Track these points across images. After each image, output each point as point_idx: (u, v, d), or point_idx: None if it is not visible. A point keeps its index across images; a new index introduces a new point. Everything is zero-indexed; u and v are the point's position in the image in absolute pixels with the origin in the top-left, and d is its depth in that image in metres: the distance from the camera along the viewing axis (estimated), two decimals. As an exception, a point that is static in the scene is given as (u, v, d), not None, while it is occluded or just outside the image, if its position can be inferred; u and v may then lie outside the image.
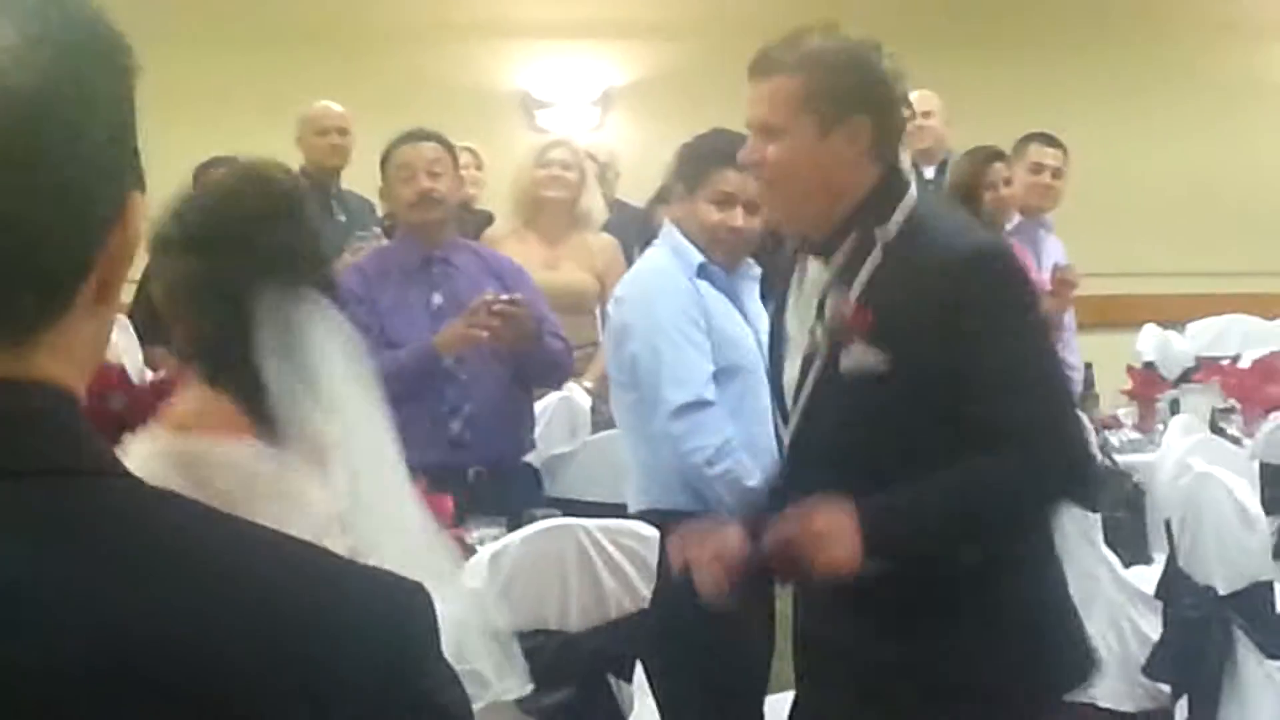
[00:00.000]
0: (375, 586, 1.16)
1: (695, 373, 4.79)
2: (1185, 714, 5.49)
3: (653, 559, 4.46)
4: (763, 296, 5.15)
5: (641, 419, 4.91)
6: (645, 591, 4.45)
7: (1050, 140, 8.03)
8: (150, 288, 2.94)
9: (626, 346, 4.91)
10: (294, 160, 8.36)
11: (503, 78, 11.09)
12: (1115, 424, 7.47)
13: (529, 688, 3.94)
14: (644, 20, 11.09)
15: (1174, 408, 7.37)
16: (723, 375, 4.84)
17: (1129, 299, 10.39)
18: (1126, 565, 6.33)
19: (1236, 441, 6.76)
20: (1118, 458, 6.89)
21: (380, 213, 7.71)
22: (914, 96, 9.14)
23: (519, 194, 7.19)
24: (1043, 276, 7.46)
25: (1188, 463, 5.60)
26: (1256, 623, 5.31)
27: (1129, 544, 6.48)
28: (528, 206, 7.15)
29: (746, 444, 4.78)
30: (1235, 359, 8.17)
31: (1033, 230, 7.86)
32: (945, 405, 3.11)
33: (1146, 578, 6.11)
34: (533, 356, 5.66)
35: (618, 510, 4.95)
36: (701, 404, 4.77)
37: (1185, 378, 8.30)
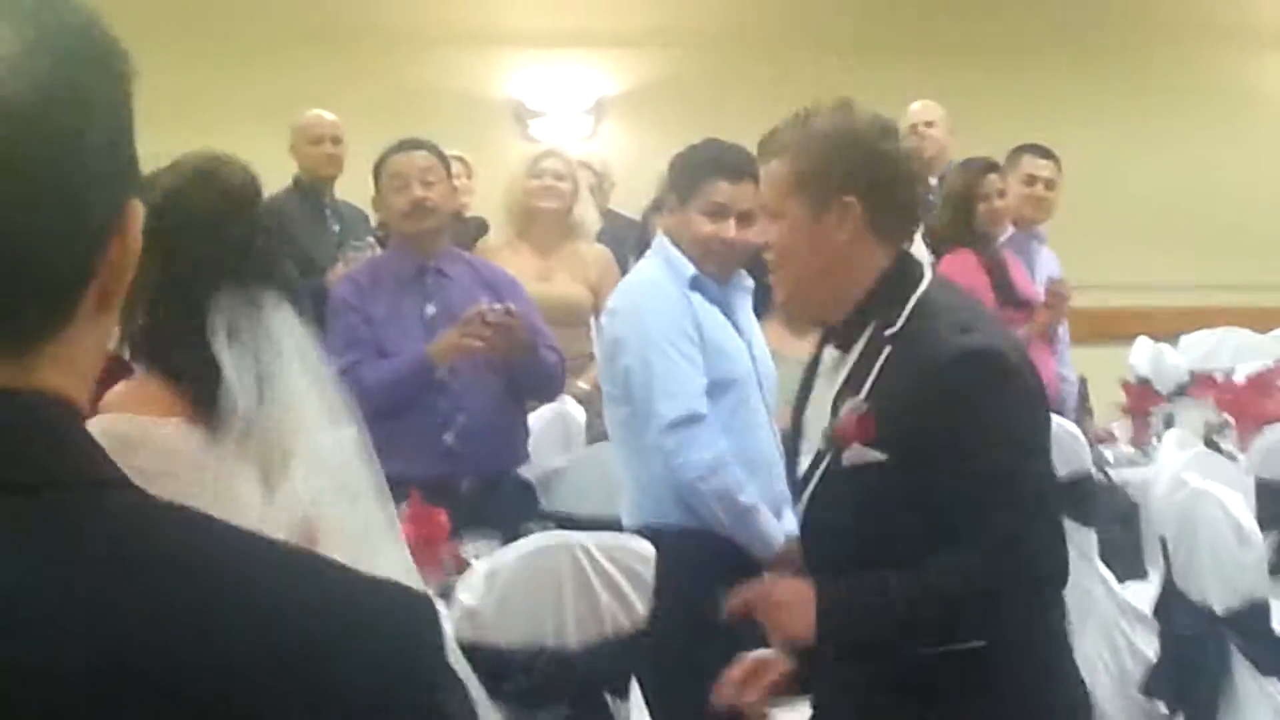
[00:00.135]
0: (380, 595, 1.16)
1: (688, 386, 4.77)
2: (1181, 731, 5.48)
3: (649, 575, 4.44)
4: (756, 309, 5.14)
5: (634, 433, 4.88)
6: (642, 608, 4.43)
7: (1043, 152, 8.02)
8: None
9: (619, 359, 4.89)
10: (288, 169, 8.35)
11: (495, 87, 11.09)
12: (1109, 438, 7.47)
13: None
14: (637, 30, 11.09)
15: (1168, 422, 7.36)
16: (716, 388, 4.81)
17: (1123, 312, 10.39)
18: (1121, 581, 6.33)
19: (1231, 456, 6.75)
20: (1112, 472, 6.88)
21: (374, 222, 7.68)
22: (916, 106, 9.24)
23: (511, 204, 7.16)
24: (1037, 289, 7.45)
25: (1182, 478, 5.59)
26: (1253, 640, 5.30)
27: (1124, 559, 6.47)
28: (520, 217, 7.12)
29: (740, 457, 4.76)
30: (1229, 373, 8.17)
31: (1026, 242, 7.85)
32: (935, 499, 3.11)
33: (1142, 593, 6.11)
34: (526, 368, 5.64)
35: (612, 524, 4.93)
36: (694, 418, 4.75)
37: (1179, 392, 8.31)
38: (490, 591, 4.23)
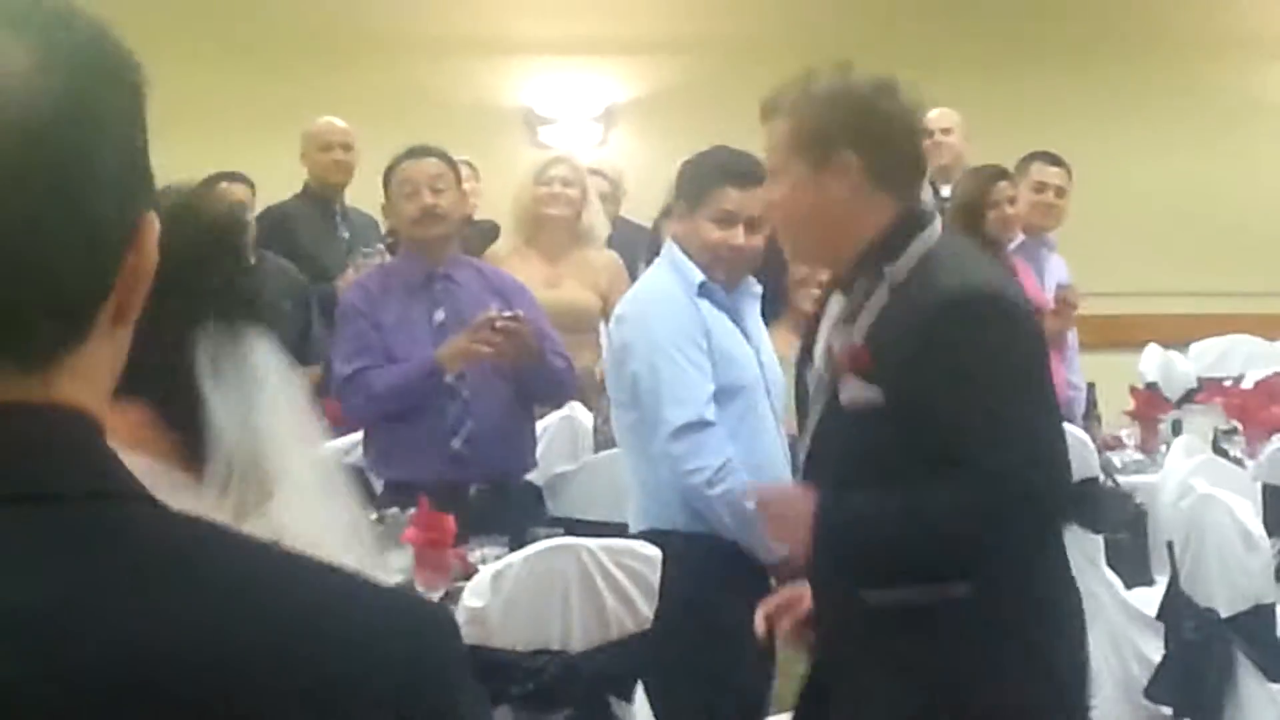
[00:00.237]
0: (397, 605, 1.15)
1: (695, 392, 4.78)
2: (1186, 736, 5.49)
3: (655, 579, 4.46)
4: (764, 315, 5.15)
5: (642, 439, 4.89)
6: (647, 612, 4.45)
7: (1053, 159, 8.02)
8: None
9: (627, 366, 4.90)
10: (299, 176, 8.38)
11: (505, 94, 11.09)
12: (1118, 444, 7.46)
13: None
14: (647, 37, 11.09)
15: (1176, 429, 7.36)
16: (723, 394, 4.82)
17: (1132, 319, 10.38)
18: (1128, 586, 6.33)
19: (1239, 463, 6.75)
20: (1120, 478, 6.88)
21: (384, 229, 7.70)
22: (934, 114, 9.26)
23: (520, 212, 7.17)
24: (1046, 296, 7.46)
25: (1190, 484, 5.60)
26: (1258, 645, 5.31)
27: (1131, 565, 6.47)
28: (528, 225, 7.12)
29: (747, 463, 4.76)
30: (1238, 380, 8.17)
31: (1036, 249, 7.85)
32: (933, 440, 3.15)
33: (1148, 599, 6.10)
34: (535, 374, 5.66)
35: (619, 530, 4.94)
36: (702, 424, 4.75)
37: (1188, 398, 8.30)
38: (496, 595, 4.25)
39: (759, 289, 5.05)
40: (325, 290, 7.39)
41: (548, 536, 4.66)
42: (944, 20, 11.15)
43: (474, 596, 4.28)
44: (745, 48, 10.83)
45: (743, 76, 11.04)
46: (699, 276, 4.87)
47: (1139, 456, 7.34)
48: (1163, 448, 7.13)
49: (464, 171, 6.72)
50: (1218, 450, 6.92)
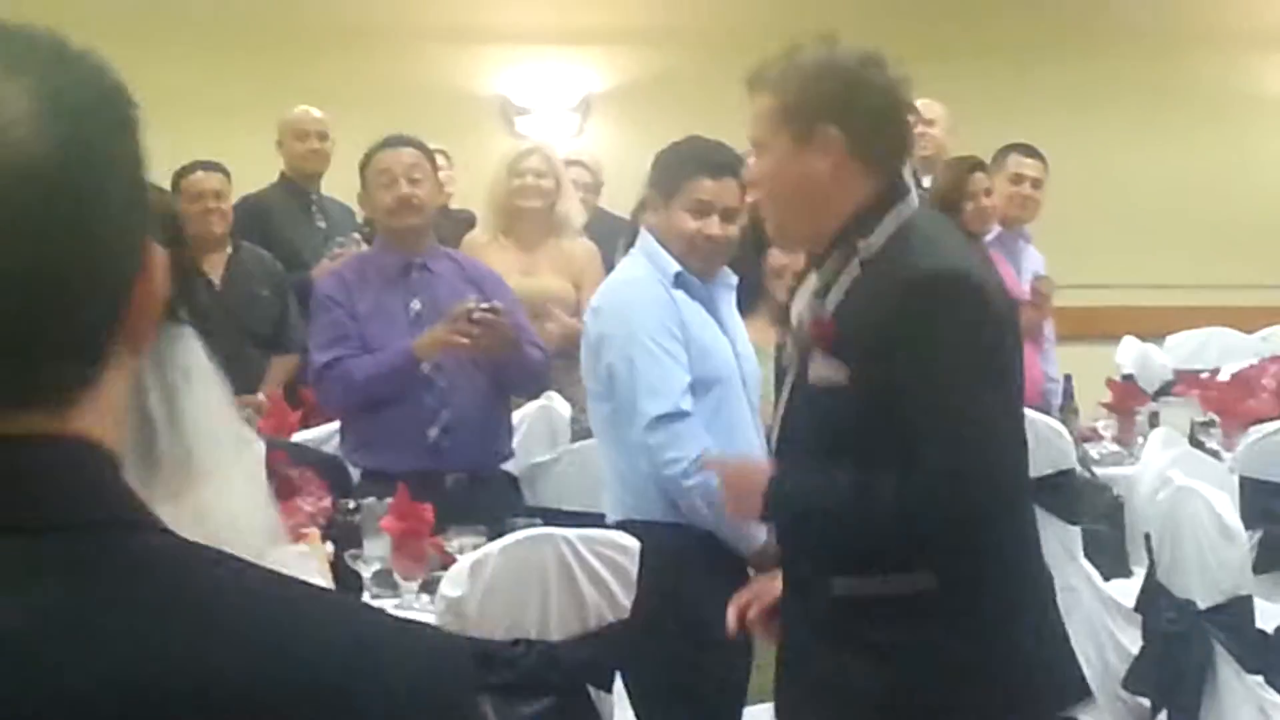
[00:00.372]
0: (412, 640, 1.16)
1: (671, 384, 4.77)
2: (1165, 728, 5.49)
3: (633, 569, 4.45)
4: (740, 306, 5.15)
5: (618, 429, 4.89)
6: (625, 602, 4.44)
7: (1030, 151, 8.03)
8: None
9: (603, 357, 4.89)
10: (275, 164, 8.36)
11: (482, 83, 11.07)
12: (1094, 436, 7.48)
13: None
14: (624, 26, 11.08)
15: (1153, 421, 7.36)
16: (699, 386, 4.82)
17: (1109, 311, 10.40)
18: (1106, 578, 6.34)
19: (1216, 455, 6.77)
20: (1097, 470, 6.90)
21: (360, 218, 7.68)
22: (918, 105, 9.21)
23: (494, 204, 7.17)
24: (1023, 287, 7.47)
25: (1167, 476, 5.60)
26: (1236, 636, 5.31)
27: (1109, 557, 6.48)
28: (503, 216, 7.12)
29: (724, 454, 4.76)
30: (1215, 372, 8.18)
31: (1012, 241, 7.86)
32: (893, 423, 3.14)
33: (1126, 590, 6.12)
34: (511, 365, 5.65)
35: (597, 520, 4.94)
36: (678, 415, 4.75)
37: (1164, 391, 8.32)
38: (474, 585, 4.23)
39: (735, 280, 5.04)
40: (302, 279, 7.37)
41: (526, 526, 4.65)
42: (922, 11, 11.15)
43: (452, 586, 4.26)
44: (723, 38, 10.82)
45: (720, 67, 11.01)
46: (674, 267, 4.86)
47: (1116, 449, 7.36)
48: (1140, 440, 7.13)
49: (439, 161, 6.71)
50: (1195, 442, 6.93)
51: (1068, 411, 7.43)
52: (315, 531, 4.74)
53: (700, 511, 4.74)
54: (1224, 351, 9.10)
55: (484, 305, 5.51)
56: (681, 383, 4.78)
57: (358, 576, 4.74)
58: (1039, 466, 6.18)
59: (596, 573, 4.40)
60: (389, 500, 4.82)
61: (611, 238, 7.09)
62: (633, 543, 4.47)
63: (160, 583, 1.09)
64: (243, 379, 6.90)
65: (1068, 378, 7.67)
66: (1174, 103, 11.30)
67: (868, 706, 3.30)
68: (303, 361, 6.45)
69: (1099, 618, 6.15)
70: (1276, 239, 11.03)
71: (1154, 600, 5.60)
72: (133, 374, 1.21)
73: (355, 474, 5.67)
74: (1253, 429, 6.78)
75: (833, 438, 3.26)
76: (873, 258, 3.24)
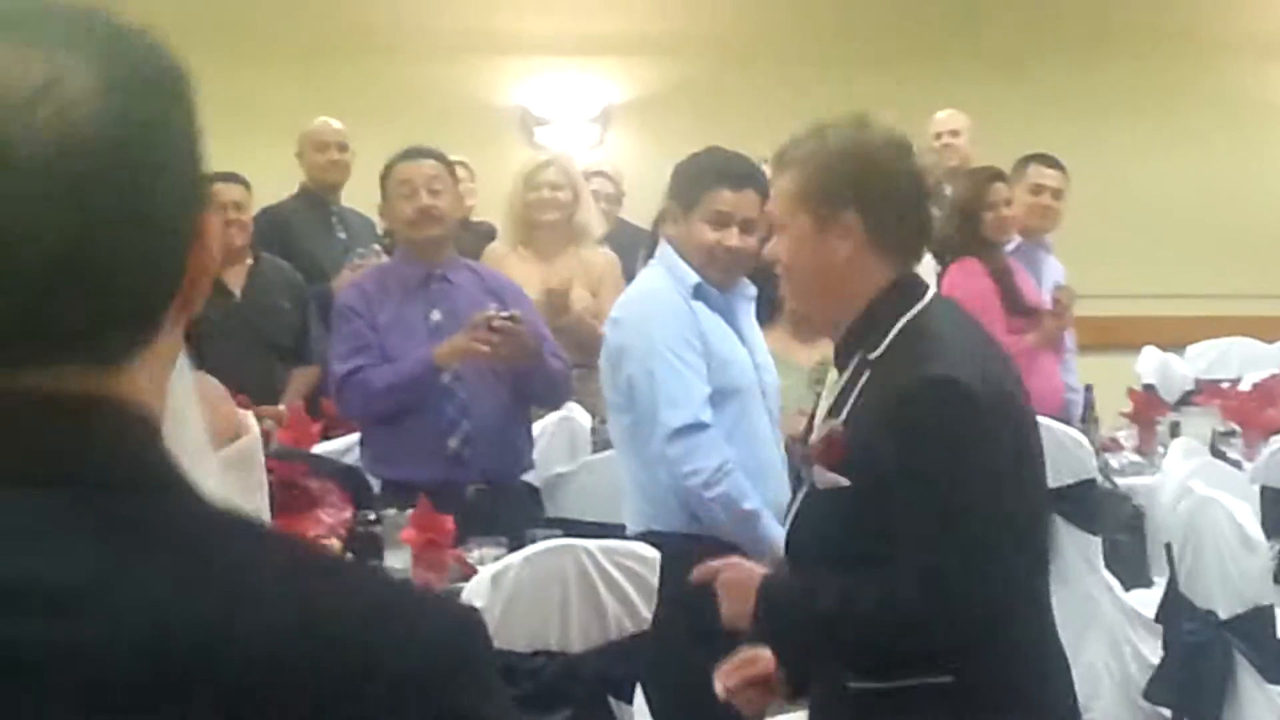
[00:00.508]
0: (426, 605, 1.21)
1: (691, 395, 4.77)
2: (1185, 738, 5.48)
3: (654, 580, 4.45)
4: (759, 317, 5.14)
5: (638, 441, 4.89)
6: (646, 613, 4.44)
7: (1050, 161, 8.02)
8: None
9: (623, 369, 4.89)
10: (295, 176, 8.37)
11: (502, 94, 11.09)
12: (1115, 446, 7.47)
13: None
14: (644, 37, 11.09)
15: (1174, 430, 7.36)
16: (719, 396, 4.82)
17: (1129, 321, 10.38)
18: (1127, 588, 6.33)
19: (1237, 465, 6.76)
20: (1118, 480, 6.89)
21: (380, 230, 7.69)
22: (942, 115, 9.25)
23: (512, 216, 7.20)
24: (1044, 298, 7.46)
25: (1188, 486, 5.59)
26: (1257, 647, 5.30)
27: (1129, 567, 6.48)
28: (522, 229, 7.15)
29: (743, 465, 4.77)
30: (1236, 382, 8.17)
31: (1032, 251, 7.85)
32: (888, 527, 3.13)
33: (1147, 601, 6.11)
34: (532, 375, 5.66)
35: (617, 530, 4.94)
36: (698, 426, 4.75)
37: (1185, 400, 8.31)
38: (495, 596, 4.24)
39: (754, 291, 5.04)
40: (322, 290, 7.38)
41: (546, 537, 4.66)
42: (943, 21, 11.15)
43: (473, 597, 4.27)
44: (742, 49, 10.84)
45: (740, 77, 11.09)
46: (694, 278, 4.87)
47: (1137, 459, 7.34)
48: (1160, 450, 7.12)
49: (460, 173, 6.72)
50: (1216, 452, 6.92)
51: (1089, 421, 7.42)
52: (336, 543, 4.75)
53: (720, 522, 4.74)
54: (1245, 361, 9.09)
55: (504, 314, 5.52)
56: (701, 394, 4.78)
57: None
58: (1060, 476, 6.19)
59: (617, 583, 4.40)
60: (409, 512, 4.82)
61: (633, 248, 7.10)
62: (653, 554, 4.47)
63: (187, 546, 1.13)
64: (263, 390, 6.93)
65: (1088, 388, 7.65)
66: (1194, 111, 11.28)
67: None
68: (323, 373, 6.46)
69: (1120, 628, 6.14)
70: (1297, 249, 11.03)
71: (1175, 610, 5.59)
72: (181, 340, 1.25)
73: (375, 484, 5.68)
74: (1274, 438, 6.78)
75: (838, 543, 3.23)
76: (880, 357, 3.22)
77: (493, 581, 4.25)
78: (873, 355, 3.22)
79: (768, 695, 3.52)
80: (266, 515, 3.55)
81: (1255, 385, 7.75)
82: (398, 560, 4.78)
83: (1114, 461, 7.17)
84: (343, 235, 8.14)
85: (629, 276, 6.32)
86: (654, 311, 4.88)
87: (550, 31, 10.93)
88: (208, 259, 1.21)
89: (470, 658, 1.17)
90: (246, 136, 9.21)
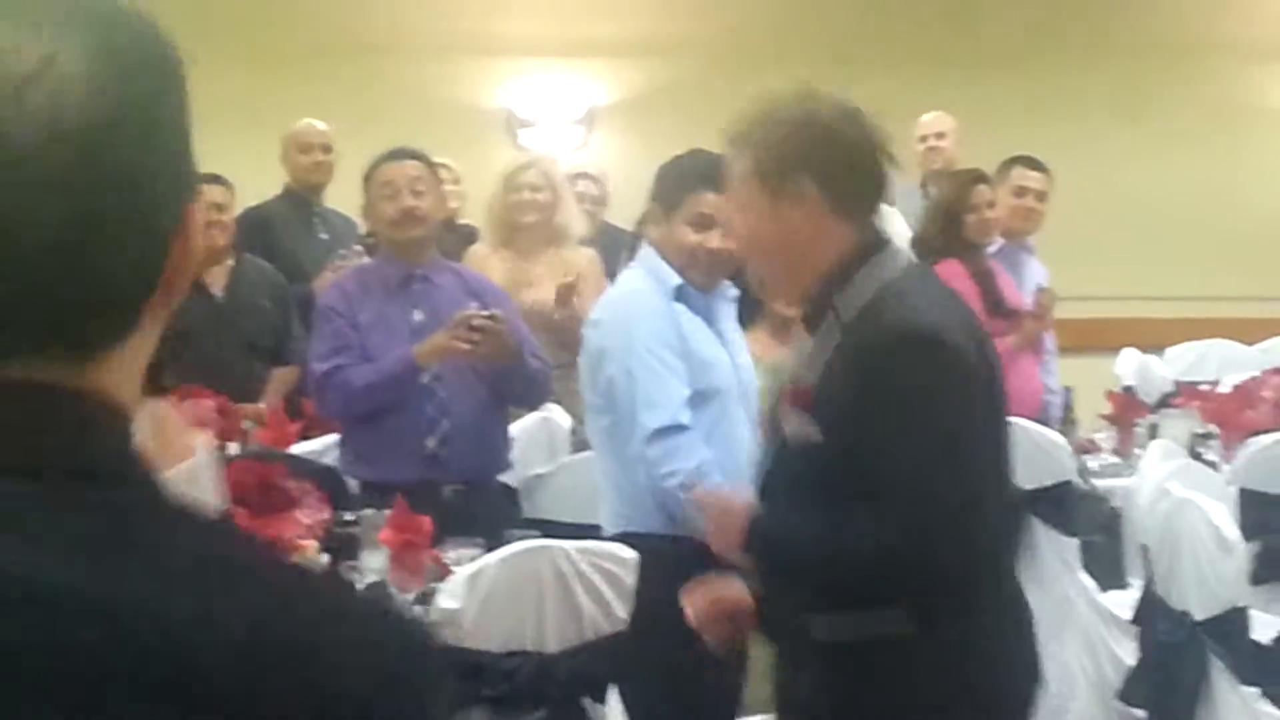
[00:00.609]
0: (376, 616, 1.19)
1: (670, 397, 4.78)
2: (1160, 739, 5.50)
3: (630, 581, 4.47)
4: (740, 318, 5.16)
5: (617, 442, 4.89)
6: (622, 614, 4.46)
7: (1033, 163, 8.04)
8: None
9: (603, 370, 4.90)
10: (278, 177, 8.37)
11: (487, 96, 11.09)
12: (1094, 448, 7.49)
13: None
14: (629, 40, 11.10)
15: (1153, 432, 7.37)
16: (698, 398, 4.82)
17: (1109, 323, 10.41)
18: (1103, 589, 6.35)
19: (1215, 467, 6.77)
20: (1096, 482, 6.90)
21: (362, 230, 7.70)
22: (927, 118, 9.26)
23: (493, 219, 7.23)
24: (1026, 300, 7.48)
25: (1166, 488, 5.61)
26: (1232, 648, 5.31)
27: (1106, 568, 6.49)
28: (503, 230, 7.18)
29: (721, 466, 4.77)
30: (1214, 384, 8.19)
31: (1015, 254, 7.87)
32: (865, 478, 3.16)
33: (1123, 602, 6.12)
34: (512, 375, 5.67)
35: (595, 531, 4.95)
36: (676, 428, 4.75)
37: (1164, 402, 8.31)
38: (471, 596, 4.25)
39: (735, 292, 5.05)
40: (304, 291, 7.39)
41: (523, 538, 4.66)
42: (928, 22, 11.18)
43: (449, 598, 4.28)
44: (727, 50, 10.85)
45: (724, 79, 11.05)
46: (675, 280, 4.88)
47: (1115, 460, 7.36)
48: (1139, 451, 7.14)
49: (444, 174, 6.73)
50: (1194, 454, 6.93)
51: (1068, 423, 7.44)
52: (313, 543, 4.75)
53: (698, 524, 4.75)
54: (1224, 363, 9.11)
55: (484, 313, 5.54)
56: (680, 396, 4.78)
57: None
58: (1038, 478, 6.21)
59: (593, 585, 4.42)
60: (386, 512, 4.83)
61: (617, 250, 7.13)
62: (630, 554, 4.49)
63: (148, 541, 1.12)
64: (244, 390, 6.95)
65: (1068, 389, 7.67)
66: (1176, 115, 11.32)
67: None
68: (303, 373, 6.47)
69: (1095, 629, 6.16)
70: (1278, 251, 11.05)
71: (1151, 612, 5.61)
72: (159, 331, 1.23)
73: (353, 486, 5.69)
74: (1251, 440, 6.80)
75: (808, 494, 3.28)
76: (852, 322, 3.25)
77: (469, 582, 4.27)
78: (844, 313, 3.26)
79: (737, 628, 3.58)
80: None
81: (1234, 387, 7.76)
82: (375, 561, 4.79)
83: (1092, 463, 7.18)
84: (325, 236, 8.15)
85: (612, 279, 6.34)
86: (634, 313, 4.89)
87: (535, 33, 10.95)
88: (191, 250, 1.20)
89: (416, 670, 1.17)
90: (231, 137, 9.20)
